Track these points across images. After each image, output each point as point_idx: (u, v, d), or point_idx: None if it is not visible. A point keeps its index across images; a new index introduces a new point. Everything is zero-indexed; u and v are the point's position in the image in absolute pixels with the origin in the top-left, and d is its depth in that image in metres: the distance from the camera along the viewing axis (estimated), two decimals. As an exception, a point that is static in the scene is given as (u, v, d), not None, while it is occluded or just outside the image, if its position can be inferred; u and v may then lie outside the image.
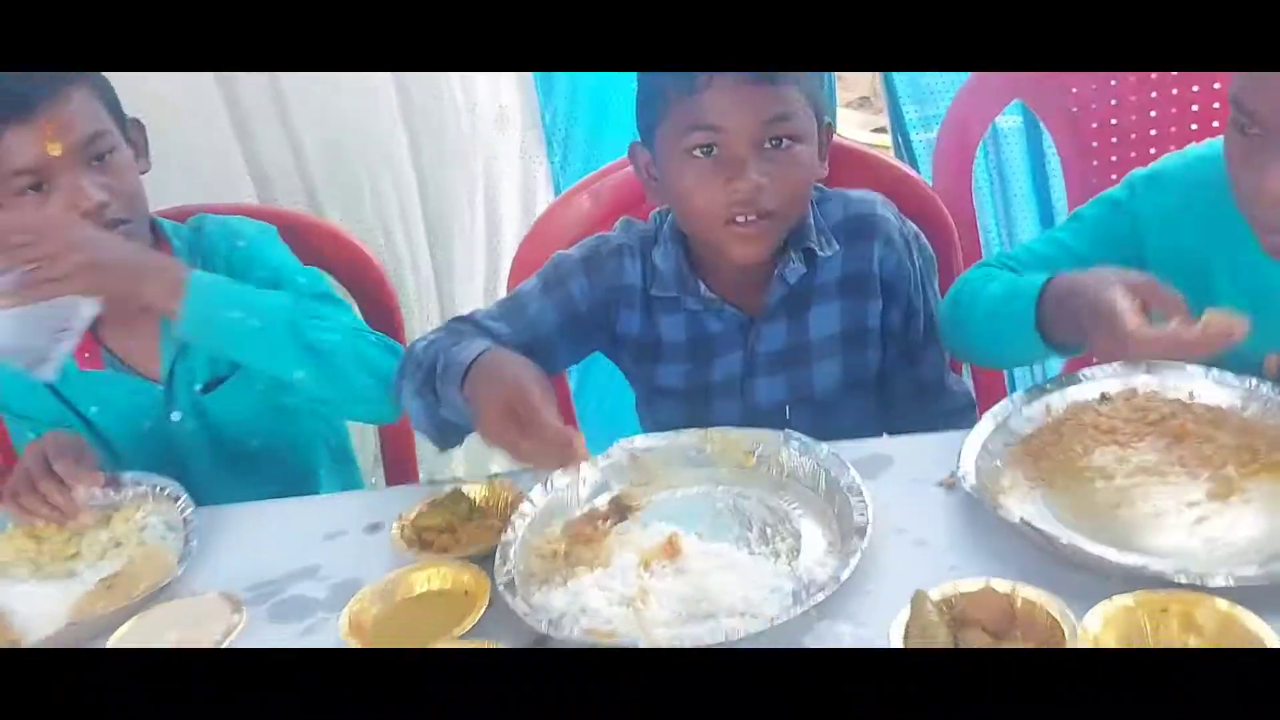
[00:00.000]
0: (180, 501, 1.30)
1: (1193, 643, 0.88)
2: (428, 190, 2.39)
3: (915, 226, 1.41)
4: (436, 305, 2.50)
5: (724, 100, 1.21)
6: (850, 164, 1.49)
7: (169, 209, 1.63)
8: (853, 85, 3.98)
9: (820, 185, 1.37)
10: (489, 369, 1.16)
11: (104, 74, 1.44)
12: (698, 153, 1.24)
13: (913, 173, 1.54)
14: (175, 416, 1.53)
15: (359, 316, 1.55)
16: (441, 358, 1.23)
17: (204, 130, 2.27)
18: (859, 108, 3.86)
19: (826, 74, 2.10)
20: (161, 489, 1.34)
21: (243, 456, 1.55)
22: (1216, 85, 1.46)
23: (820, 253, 1.35)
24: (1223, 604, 0.88)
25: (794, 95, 1.23)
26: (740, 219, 1.25)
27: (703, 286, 1.37)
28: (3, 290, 1.24)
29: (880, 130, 3.18)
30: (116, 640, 1.10)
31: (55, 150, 1.34)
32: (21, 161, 1.34)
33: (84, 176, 1.37)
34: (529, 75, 2.22)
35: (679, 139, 1.25)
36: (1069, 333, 1.14)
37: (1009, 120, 2.20)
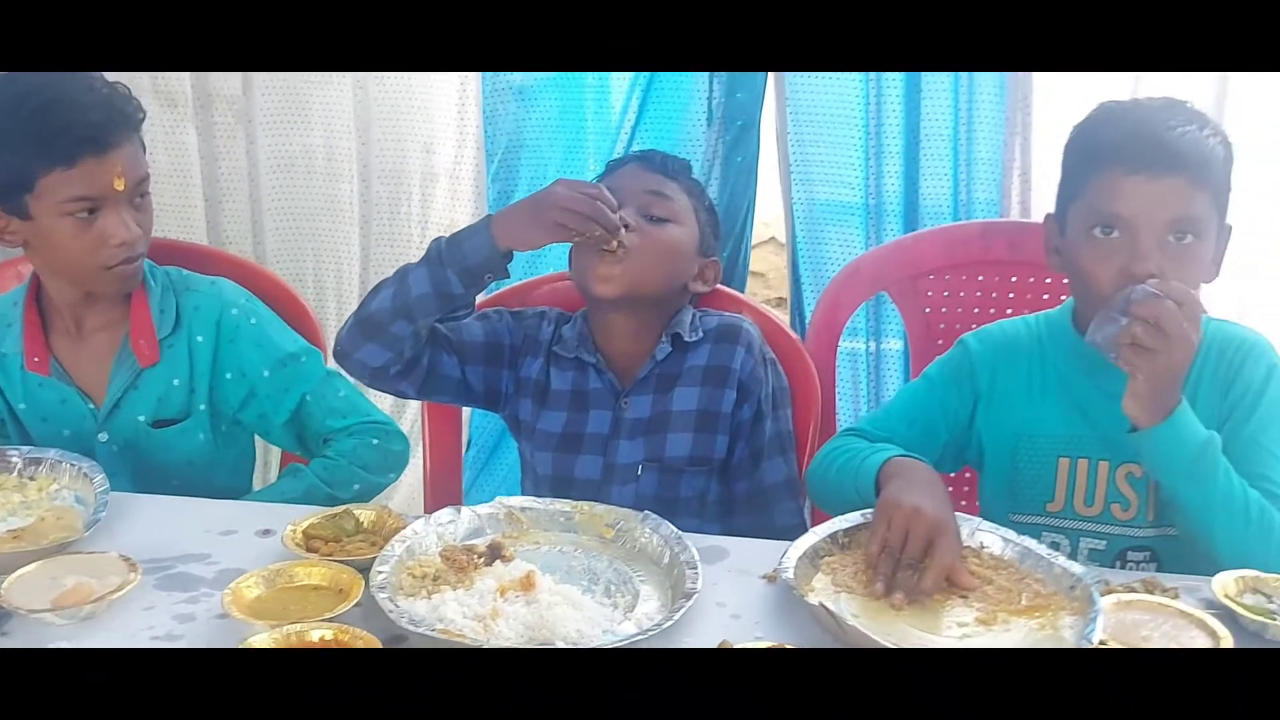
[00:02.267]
0: (96, 480, 1.44)
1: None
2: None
3: (774, 355, 1.71)
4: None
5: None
6: (740, 309, 1.80)
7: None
8: (775, 285, 4.32)
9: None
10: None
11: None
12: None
13: (789, 330, 1.83)
14: (102, 437, 1.67)
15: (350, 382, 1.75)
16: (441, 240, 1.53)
17: (177, 190, 2.46)
18: (777, 306, 4.18)
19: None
20: (79, 468, 1.47)
21: (157, 484, 1.65)
22: (1045, 296, 1.79)
23: (687, 339, 1.65)
24: (964, 689, 1.07)
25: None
26: None
27: (595, 348, 1.66)
28: None
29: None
30: (16, 576, 1.22)
31: (120, 185, 1.55)
32: (87, 189, 1.54)
33: (127, 212, 1.57)
34: (484, 193, 2.46)
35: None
36: None
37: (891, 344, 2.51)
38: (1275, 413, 1.47)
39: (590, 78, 2.37)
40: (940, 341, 1.69)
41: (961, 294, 1.90)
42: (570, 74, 2.35)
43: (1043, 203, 2.31)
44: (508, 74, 2.36)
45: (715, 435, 1.65)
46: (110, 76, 1.63)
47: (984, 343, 1.61)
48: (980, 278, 1.91)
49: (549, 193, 1.48)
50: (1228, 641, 1.18)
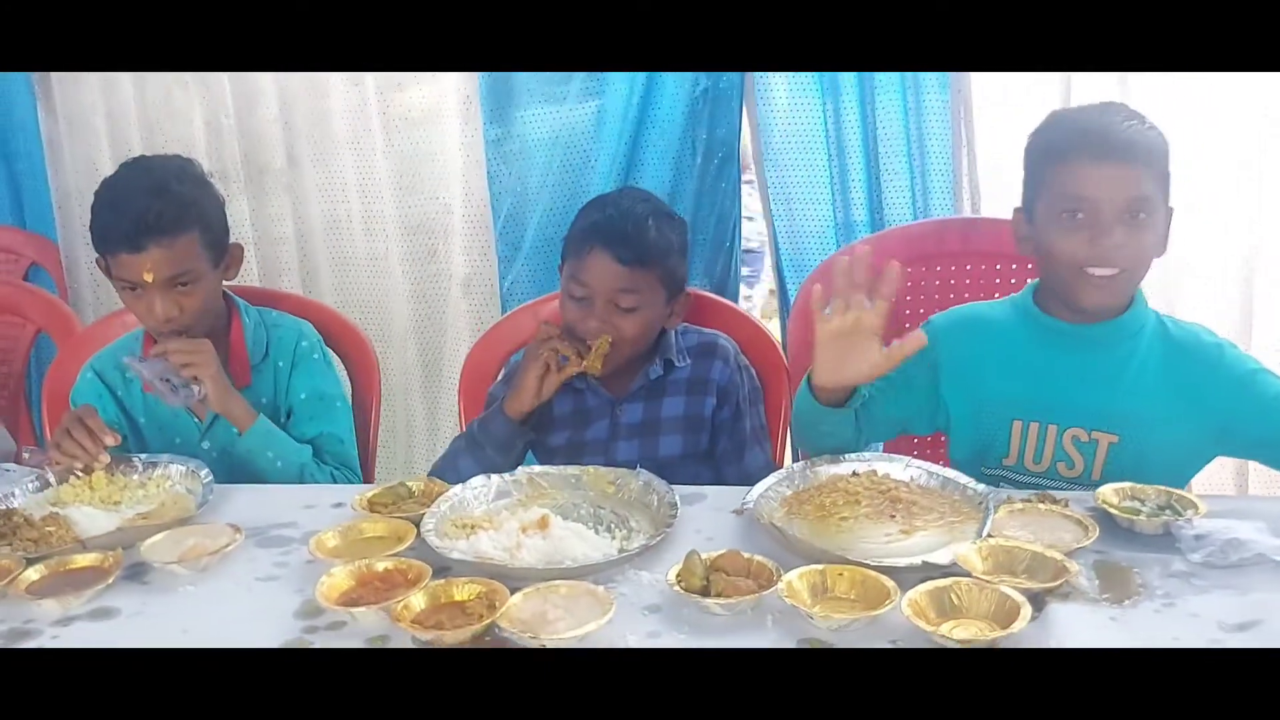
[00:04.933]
0: (202, 474, 1.80)
1: (842, 589, 1.39)
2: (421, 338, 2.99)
3: (748, 361, 2.04)
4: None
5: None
6: (723, 312, 2.17)
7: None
8: (768, 279, 4.64)
9: (686, 322, 2.03)
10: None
11: (223, 213, 2.06)
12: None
13: (768, 332, 2.17)
14: (204, 445, 2.06)
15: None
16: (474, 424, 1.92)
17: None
18: (769, 296, 4.51)
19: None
20: (189, 467, 1.83)
21: (250, 480, 1.98)
22: (997, 281, 2.09)
23: (676, 364, 1.97)
24: (873, 573, 1.39)
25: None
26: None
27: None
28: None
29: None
30: (151, 542, 1.57)
31: (149, 278, 1.94)
32: (127, 276, 1.95)
33: (164, 296, 1.95)
34: (494, 247, 2.82)
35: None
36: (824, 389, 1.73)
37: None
38: (1256, 368, 1.75)
39: (588, 128, 2.72)
40: (907, 326, 1.97)
41: (923, 284, 2.20)
42: (567, 130, 2.70)
43: (989, 203, 2.63)
44: (508, 141, 2.72)
45: (700, 434, 1.99)
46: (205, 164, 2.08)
47: (948, 320, 1.89)
48: (939, 268, 2.21)
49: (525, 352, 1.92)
50: (1095, 532, 1.48)
